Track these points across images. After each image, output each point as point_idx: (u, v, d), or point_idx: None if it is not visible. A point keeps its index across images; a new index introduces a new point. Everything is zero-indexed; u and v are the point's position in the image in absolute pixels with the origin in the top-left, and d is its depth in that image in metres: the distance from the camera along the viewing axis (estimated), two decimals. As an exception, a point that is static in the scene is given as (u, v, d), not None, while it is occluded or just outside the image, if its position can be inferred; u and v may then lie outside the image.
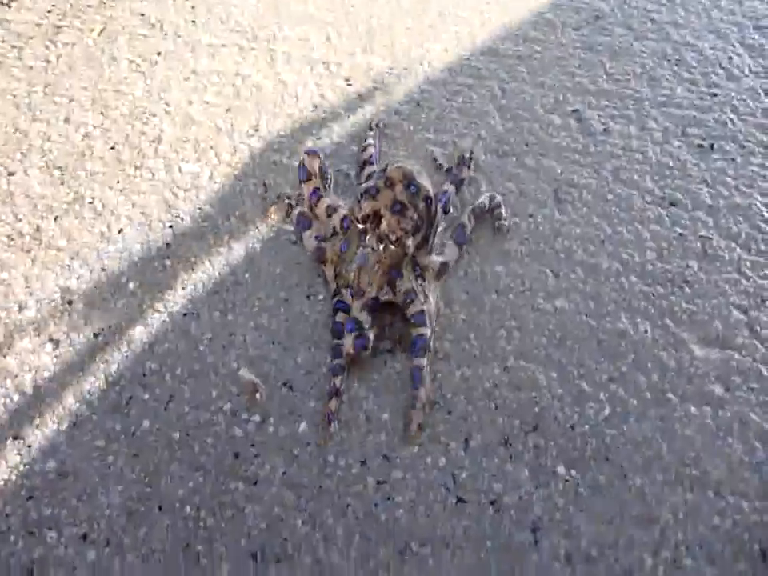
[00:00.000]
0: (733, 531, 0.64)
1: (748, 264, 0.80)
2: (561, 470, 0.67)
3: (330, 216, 0.80)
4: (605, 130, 0.91)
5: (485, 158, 0.88)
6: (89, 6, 1.09)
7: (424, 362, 0.71)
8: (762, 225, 0.83)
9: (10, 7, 1.07)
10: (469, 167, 0.85)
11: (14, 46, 1.03)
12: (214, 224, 0.84)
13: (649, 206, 0.84)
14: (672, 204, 0.85)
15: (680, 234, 0.82)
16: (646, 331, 0.75)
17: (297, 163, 0.86)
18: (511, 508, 0.66)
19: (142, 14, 1.09)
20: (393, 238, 0.72)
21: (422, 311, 0.73)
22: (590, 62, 1.03)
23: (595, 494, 0.66)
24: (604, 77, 1.01)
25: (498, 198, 0.83)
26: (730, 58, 1.05)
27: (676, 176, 0.87)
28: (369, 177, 0.84)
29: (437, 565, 0.64)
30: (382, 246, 0.72)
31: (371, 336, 0.72)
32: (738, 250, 0.81)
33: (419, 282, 0.75)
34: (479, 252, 0.81)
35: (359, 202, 0.75)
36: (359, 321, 0.72)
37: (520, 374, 0.73)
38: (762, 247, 0.81)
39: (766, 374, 0.72)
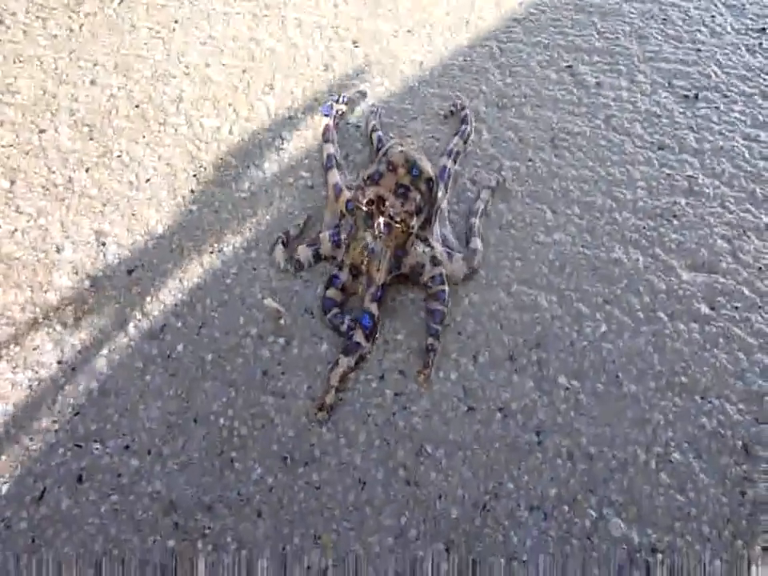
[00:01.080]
0: (717, 430, 0.70)
1: (731, 199, 0.86)
2: (562, 380, 0.73)
3: (337, 197, 0.82)
4: (597, 83, 0.97)
5: (486, 110, 0.94)
6: None
7: (444, 310, 0.74)
8: (744, 164, 0.88)
9: None
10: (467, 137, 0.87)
11: (38, 17, 1.08)
12: (236, 173, 0.90)
13: (639, 149, 0.89)
14: (660, 148, 0.90)
15: (668, 174, 0.88)
16: (637, 259, 0.81)
17: (310, 118, 0.92)
18: (517, 413, 0.71)
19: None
20: (397, 219, 0.73)
21: (439, 274, 0.75)
22: (582, 22, 1.09)
23: (594, 400, 0.72)
24: (595, 35, 1.06)
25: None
26: (713, 16, 1.10)
27: (664, 123, 0.93)
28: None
29: (450, 464, 0.69)
30: (386, 229, 0.73)
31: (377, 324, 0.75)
32: (722, 187, 0.86)
33: (425, 249, 0.77)
34: (483, 189, 0.87)
35: (363, 187, 0.75)
36: (372, 313, 0.74)
37: (523, 298, 0.79)
38: (744, 184, 0.87)
39: (748, 294, 0.78)
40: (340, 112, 0.91)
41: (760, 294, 0.78)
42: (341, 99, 0.91)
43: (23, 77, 1.00)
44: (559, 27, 1.05)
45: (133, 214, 0.86)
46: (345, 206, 0.80)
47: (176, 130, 0.93)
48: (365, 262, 0.75)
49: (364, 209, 0.74)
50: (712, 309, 0.77)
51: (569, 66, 0.97)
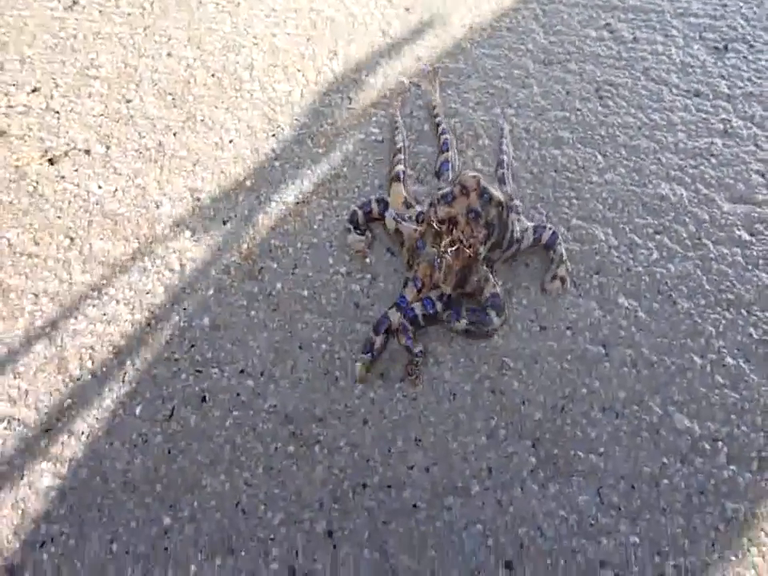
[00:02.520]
0: (763, 337, 0.73)
1: (763, 138, 0.87)
2: (622, 300, 0.76)
3: (408, 208, 0.80)
4: (634, 38, 0.97)
5: (534, 66, 0.94)
6: None
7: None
8: (773, 107, 0.90)
9: None
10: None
11: None
12: (311, 131, 0.91)
13: (676, 97, 0.90)
14: (696, 95, 0.91)
15: (704, 118, 0.89)
16: (681, 194, 0.83)
17: (373, 78, 0.91)
18: (584, 330, 0.74)
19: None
20: (467, 244, 0.71)
21: (495, 294, 0.74)
22: (615, -15, 1.08)
23: (651, 316, 0.75)
24: (628, -4, 1.06)
25: (558, 239, 0.77)
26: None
27: (697, 72, 0.93)
28: (440, 173, 0.83)
29: (529, 375, 0.72)
30: (455, 250, 0.71)
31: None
32: (754, 128, 0.88)
33: (488, 268, 0.75)
34: (537, 138, 0.88)
35: (436, 206, 0.73)
36: (434, 302, 0.72)
37: (581, 231, 0.81)
38: (774, 125, 0.89)
39: (783, 221, 0.81)
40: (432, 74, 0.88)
41: (794, 220, 0.80)
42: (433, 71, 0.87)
43: (104, 52, 1.00)
44: (594, -11, 1.06)
45: (222, 172, 0.87)
46: (416, 219, 0.78)
47: (251, 95, 0.94)
48: (432, 276, 0.73)
49: (435, 227, 0.72)
50: (751, 235, 0.79)
51: (607, 24, 0.97)
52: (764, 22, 0.98)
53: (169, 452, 0.70)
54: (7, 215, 0.86)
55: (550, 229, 0.77)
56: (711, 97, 0.91)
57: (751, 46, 0.96)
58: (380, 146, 0.88)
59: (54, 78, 0.98)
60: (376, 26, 1.00)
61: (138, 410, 0.73)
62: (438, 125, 0.88)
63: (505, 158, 0.83)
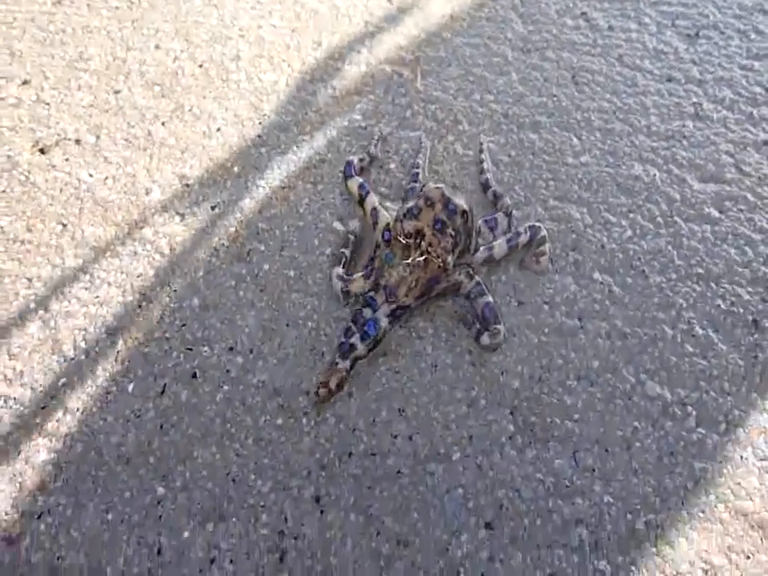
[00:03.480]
0: (731, 309, 0.78)
1: (732, 121, 0.92)
2: (597, 275, 0.80)
3: (375, 223, 0.83)
4: (609, 26, 1.02)
5: (512, 54, 0.99)
6: None
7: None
8: (742, 91, 0.94)
9: None
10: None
11: None
12: (296, 119, 0.95)
13: (649, 82, 0.95)
14: (668, 80, 0.96)
15: (676, 102, 0.94)
16: (654, 175, 0.87)
17: (356, 68, 0.95)
18: (561, 305, 0.79)
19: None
20: (434, 254, 0.74)
21: (477, 283, 0.77)
22: (591, -24, 1.14)
23: (625, 290, 0.79)
24: (604, -13, 1.11)
25: (544, 232, 0.81)
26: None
27: (670, 59, 0.98)
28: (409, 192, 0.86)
29: (508, 347, 0.76)
30: (424, 261, 0.74)
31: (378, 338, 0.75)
32: (724, 111, 0.93)
33: (461, 271, 0.78)
34: (515, 123, 0.92)
35: (402, 220, 0.76)
36: (380, 325, 0.74)
37: (558, 211, 0.85)
38: (743, 108, 0.93)
39: (750, 198, 0.85)
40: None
41: (761, 197, 0.85)
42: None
43: (93, 45, 1.04)
44: (571, -20, 1.11)
45: (210, 159, 0.91)
46: (381, 236, 0.80)
47: (238, 85, 0.98)
48: (396, 285, 0.75)
49: (402, 241, 0.75)
50: (721, 212, 0.84)
51: (583, 13, 1.02)
52: (734, 10, 1.03)
53: (161, 426, 0.74)
54: (0, 203, 0.90)
55: (531, 228, 0.80)
56: (683, 81, 0.96)
57: (722, 33, 1.01)
58: (363, 132, 0.93)
59: (43, 71, 1.02)
60: (359, 17, 1.05)
61: (130, 388, 0.76)
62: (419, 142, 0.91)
63: (485, 165, 0.87)
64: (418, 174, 0.88)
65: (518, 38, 1.01)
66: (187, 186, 0.89)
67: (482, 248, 0.80)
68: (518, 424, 0.71)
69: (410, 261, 0.74)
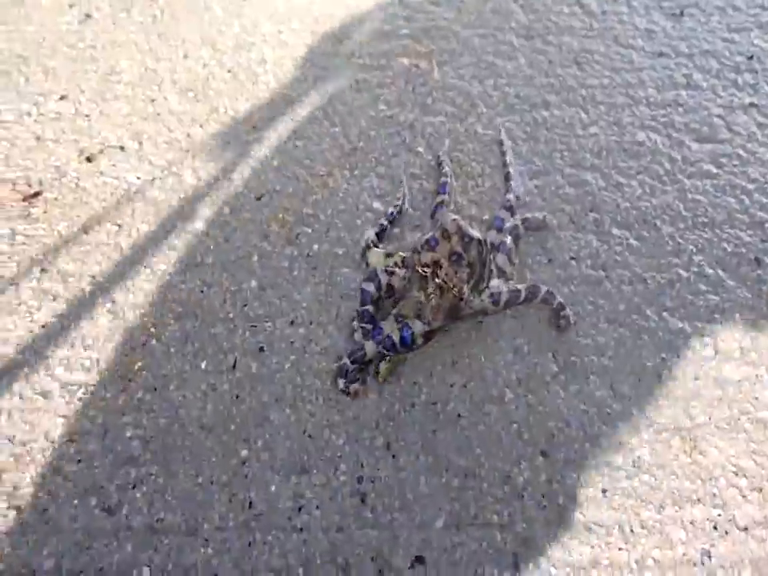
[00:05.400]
0: (735, 250, 0.91)
1: (720, 87, 1.07)
2: (615, 231, 0.93)
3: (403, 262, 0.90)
4: (602, 11, 1.17)
5: (517, 41, 1.13)
6: None
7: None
8: (726, 60, 1.10)
9: None
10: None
11: (122, 8, 1.23)
12: (326, 112, 1.08)
13: (643, 58, 1.10)
14: (660, 55, 1.11)
15: (669, 75, 1.09)
16: (656, 140, 1.02)
17: (378, 61, 1.08)
18: (586, 259, 0.92)
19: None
20: (451, 285, 0.81)
21: (496, 298, 0.85)
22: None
23: (641, 242, 0.92)
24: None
25: (558, 299, 0.86)
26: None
27: (660, 36, 1.13)
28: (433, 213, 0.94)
29: (542, 301, 0.89)
30: (441, 292, 0.81)
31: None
32: (712, 79, 1.08)
33: (481, 299, 0.85)
34: (527, 102, 1.06)
35: (420, 252, 0.82)
36: (414, 332, 0.81)
37: (574, 178, 0.99)
38: (728, 75, 1.08)
39: (743, 154, 1.00)
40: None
41: (752, 153, 0.99)
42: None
43: (123, 58, 1.16)
44: (562, -29, 1.27)
45: (250, 154, 1.03)
46: (402, 263, 0.88)
47: (267, 86, 1.10)
48: (419, 311, 0.82)
49: (420, 272, 0.82)
50: (718, 168, 0.98)
51: (578, 1, 1.17)
52: (712, -11, 1.20)
53: (237, 396, 0.84)
54: (55, 210, 1.00)
55: (544, 288, 0.88)
56: (673, 56, 1.11)
57: (703, 11, 1.17)
58: (389, 121, 1.06)
59: (78, 86, 1.13)
60: (375, 15, 1.18)
61: (203, 365, 0.87)
62: (440, 165, 1.00)
63: (508, 158, 0.99)
64: (446, 183, 0.97)
65: (521, 27, 1.15)
66: (231, 180, 1.01)
67: (484, 296, 0.85)
68: (560, 364, 0.84)
69: (428, 291, 0.81)
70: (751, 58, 1.10)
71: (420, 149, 1.02)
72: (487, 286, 0.86)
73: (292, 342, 0.88)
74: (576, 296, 0.89)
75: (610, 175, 0.98)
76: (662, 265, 0.90)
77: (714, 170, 0.98)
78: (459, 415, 0.82)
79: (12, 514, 0.79)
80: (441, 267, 0.81)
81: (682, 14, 1.16)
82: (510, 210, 0.94)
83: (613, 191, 0.97)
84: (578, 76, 1.09)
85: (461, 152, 1.01)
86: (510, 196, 0.95)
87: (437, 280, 0.81)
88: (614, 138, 1.02)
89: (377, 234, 0.93)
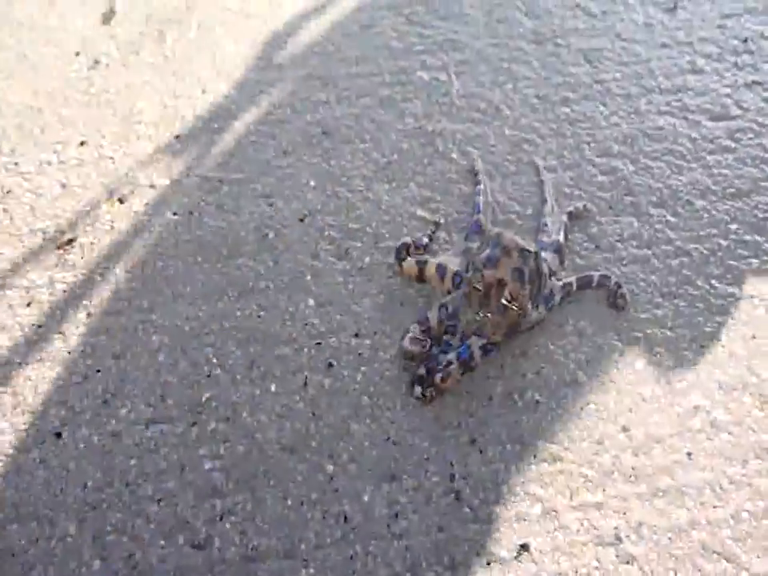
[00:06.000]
0: (764, 216, 1.06)
1: (722, 69, 1.26)
2: (652, 210, 1.08)
3: (442, 276, 1.00)
4: (602, 12, 1.37)
5: (528, 46, 1.30)
6: (175, 7, 1.44)
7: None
8: (723, 45, 1.30)
9: (110, 24, 1.40)
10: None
11: (131, 51, 1.36)
12: (356, 130, 1.21)
13: (648, 50, 1.30)
14: (663, 46, 1.31)
15: (674, 63, 1.28)
16: (674, 123, 1.19)
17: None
18: (630, 240, 1.05)
19: (228, 8, 1.44)
20: (515, 304, 0.89)
21: (549, 300, 0.96)
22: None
23: (677, 218, 1.07)
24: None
25: (613, 279, 0.99)
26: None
27: (659, 29, 1.33)
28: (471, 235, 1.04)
29: (596, 284, 1.01)
30: (504, 309, 0.90)
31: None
32: (714, 63, 1.27)
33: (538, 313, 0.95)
34: (548, 101, 1.22)
35: (482, 271, 0.91)
36: (472, 351, 0.91)
37: (604, 166, 1.14)
38: (728, 58, 1.28)
39: (756, 128, 1.18)
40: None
41: (763, 125, 1.18)
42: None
43: (141, 99, 1.29)
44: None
45: (287, 177, 1.15)
46: (452, 282, 0.99)
47: (292, 110, 1.24)
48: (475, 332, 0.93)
49: (479, 290, 0.90)
50: (735, 142, 1.16)
51: (577, 5, 1.38)
52: (699, -19, 1.41)
53: (313, 414, 0.93)
54: (92, 255, 1.09)
55: (597, 274, 1.00)
56: (674, 45, 1.30)
57: (694, 2, 1.37)
58: (418, 132, 1.21)
59: (98, 130, 1.24)
60: (387, 34, 1.35)
61: (272, 388, 0.96)
62: (477, 183, 1.12)
63: (547, 188, 1.10)
64: (479, 204, 1.08)
65: (529, 33, 1.34)
66: (271, 205, 1.12)
67: (541, 307, 0.95)
68: (624, 341, 0.96)
69: (489, 309, 0.90)
70: (746, 41, 1.30)
71: (453, 155, 1.17)
72: (543, 295, 0.96)
73: (360, 354, 0.98)
74: (627, 275, 1.02)
75: (638, 160, 1.14)
76: (702, 237, 1.05)
77: (733, 145, 1.15)
78: (537, 402, 0.92)
79: (97, 563, 0.85)
80: (505, 285, 0.90)
81: (675, 6, 1.36)
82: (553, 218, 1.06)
83: (643, 174, 1.12)
84: (590, 73, 1.27)
85: (492, 154, 1.16)
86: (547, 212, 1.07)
87: (501, 299, 0.89)
88: (636, 126, 1.18)
89: (414, 243, 1.05)
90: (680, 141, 1.16)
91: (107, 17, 1.44)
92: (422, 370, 0.94)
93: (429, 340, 0.95)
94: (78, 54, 1.38)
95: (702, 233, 1.05)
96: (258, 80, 1.31)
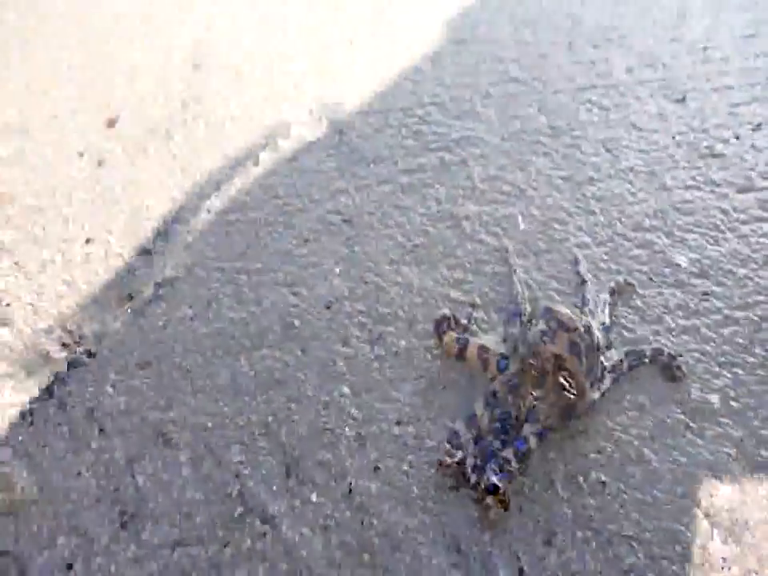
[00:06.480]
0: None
1: (742, 152, 1.54)
2: (695, 281, 1.28)
3: (485, 360, 1.14)
4: (615, 105, 1.72)
5: (545, 139, 1.58)
6: (178, 108, 1.74)
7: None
8: (738, 130, 1.61)
9: (114, 127, 1.67)
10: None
11: (138, 150, 1.62)
12: (376, 216, 1.43)
13: (664, 137, 1.60)
14: (680, 133, 1.61)
15: (695, 148, 1.58)
16: (702, 197, 1.41)
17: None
18: (676, 310, 1.23)
19: (236, 105, 1.74)
20: (573, 382, 1.01)
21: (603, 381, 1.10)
22: None
23: (722, 287, 1.27)
24: None
25: (666, 351, 1.15)
26: None
27: (672, 118, 1.67)
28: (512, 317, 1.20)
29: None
30: (559, 389, 1.00)
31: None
32: (731, 147, 1.57)
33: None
34: (573, 181, 1.48)
35: (540, 346, 1.02)
36: (528, 443, 1.01)
37: (639, 240, 1.37)
38: (744, 140, 1.58)
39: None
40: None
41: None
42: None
43: (150, 196, 1.53)
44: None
45: (313, 265, 1.33)
46: (496, 366, 1.13)
47: (310, 199, 1.47)
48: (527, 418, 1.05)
49: (537, 368, 1.02)
50: (766, 211, 1.37)
51: (589, 100, 1.73)
52: (706, 77, 1.77)
53: (362, 522, 1.01)
54: (104, 352, 1.21)
55: (648, 348, 1.16)
56: (690, 132, 1.61)
57: (702, 93, 1.71)
58: (444, 215, 1.45)
59: (105, 227, 1.44)
60: (403, 133, 1.65)
61: (313, 497, 1.05)
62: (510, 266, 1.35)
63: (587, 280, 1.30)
64: (518, 295, 1.27)
65: (545, 127, 1.67)
66: (295, 294, 1.30)
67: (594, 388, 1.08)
68: (687, 413, 1.10)
69: (545, 390, 1.01)
70: (759, 125, 1.62)
71: (482, 236, 1.40)
72: (601, 377, 1.09)
73: (405, 444, 1.10)
74: (679, 346, 1.19)
75: (672, 233, 1.38)
76: (749, 304, 1.25)
77: (766, 215, 1.39)
78: (603, 483, 1.03)
79: None
80: (564, 361, 1.01)
81: (684, 99, 1.71)
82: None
83: (680, 246, 1.35)
84: (611, 160, 1.57)
85: (523, 232, 1.39)
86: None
87: (559, 377, 1.00)
88: (665, 201, 1.45)
89: (454, 317, 1.22)
90: (711, 213, 1.41)
91: (112, 122, 1.74)
92: (473, 476, 1.02)
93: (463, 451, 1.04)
94: (81, 154, 1.66)
95: (748, 300, 1.25)
96: (273, 171, 1.59)
